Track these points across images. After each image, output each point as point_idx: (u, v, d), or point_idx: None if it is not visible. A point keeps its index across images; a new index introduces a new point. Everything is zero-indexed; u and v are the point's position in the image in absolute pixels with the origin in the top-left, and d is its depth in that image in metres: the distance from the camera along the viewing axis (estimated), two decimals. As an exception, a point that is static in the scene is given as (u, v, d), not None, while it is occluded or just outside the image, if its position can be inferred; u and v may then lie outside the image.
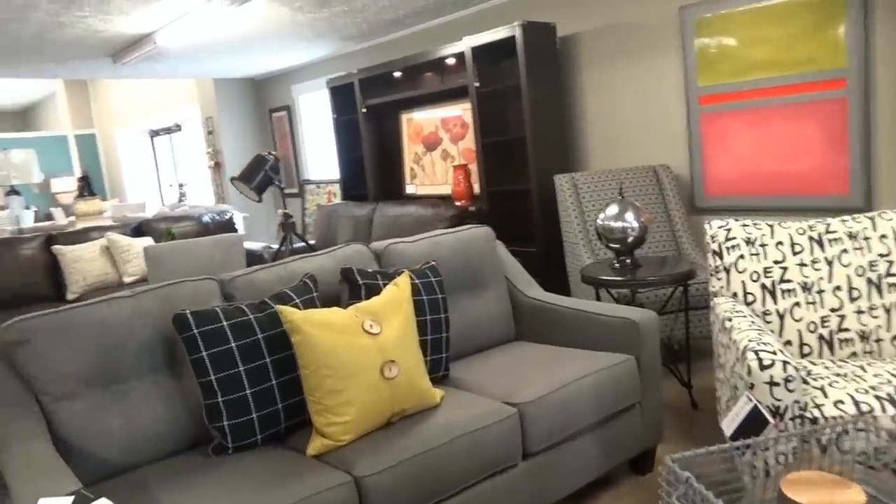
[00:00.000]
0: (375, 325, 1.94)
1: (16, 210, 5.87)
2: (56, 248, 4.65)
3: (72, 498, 1.39)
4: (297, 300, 2.06)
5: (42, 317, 1.85)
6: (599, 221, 3.01)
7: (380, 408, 1.88)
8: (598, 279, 2.89)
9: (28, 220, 9.96)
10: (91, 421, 1.83)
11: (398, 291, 2.09)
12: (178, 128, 8.88)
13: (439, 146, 4.99)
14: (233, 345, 1.89)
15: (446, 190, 4.92)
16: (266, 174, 3.07)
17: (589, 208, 3.70)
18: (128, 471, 1.85)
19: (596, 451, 2.23)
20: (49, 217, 10.60)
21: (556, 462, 2.12)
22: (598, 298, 3.03)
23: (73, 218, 7.35)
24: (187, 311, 1.89)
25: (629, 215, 2.95)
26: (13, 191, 5.75)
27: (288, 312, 1.86)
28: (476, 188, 4.56)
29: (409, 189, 5.28)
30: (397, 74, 5.06)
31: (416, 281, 2.26)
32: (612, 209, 2.99)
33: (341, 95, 5.48)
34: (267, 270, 2.25)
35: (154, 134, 9.74)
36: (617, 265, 3.01)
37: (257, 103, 7.31)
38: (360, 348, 1.87)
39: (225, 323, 1.90)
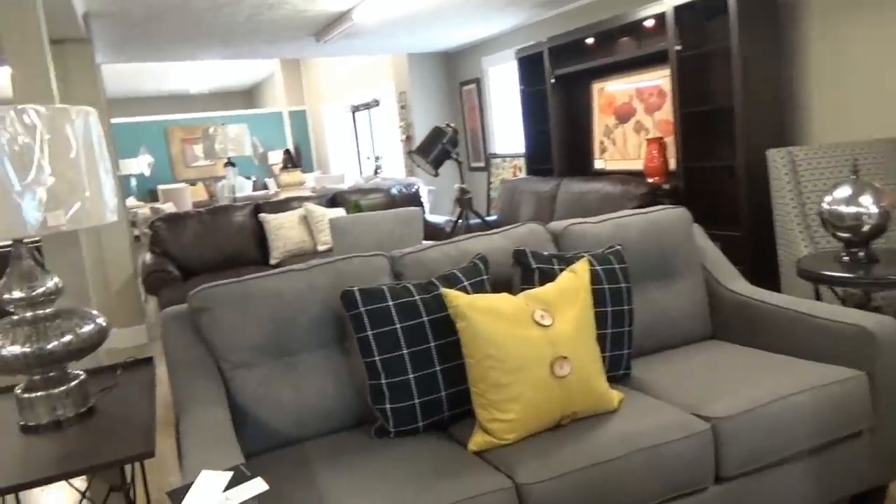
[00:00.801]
0: (547, 316, 1.75)
1: (231, 180, 6.53)
2: (262, 215, 5.04)
3: (231, 473, 1.39)
4: (466, 283, 1.94)
5: (223, 286, 1.91)
6: (825, 205, 2.53)
7: (548, 408, 1.70)
8: (819, 274, 2.43)
9: (247, 189, 11.08)
10: (264, 391, 1.87)
11: (575, 279, 1.88)
12: (376, 103, 9.26)
13: (632, 118, 4.60)
14: (397, 326, 1.82)
15: (638, 165, 4.54)
16: (443, 147, 3.00)
17: (809, 189, 3.16)
18: (294, 443, 1.87)
19: (808, 482, 1.86)
20: (265, 187, 11.72)
21: (757, 490, 1.80)
22: (819, 298, 2.56)
23: (278, 189, 7.99)
24: (355, 289, 1.85)
25: (866, 199, 2.44)
26: (230, 162, 6.39)
27: (453, 296, 1.74)
28: (672, 164, 4.13)
29: (598, 164, 4.96)
30: (589, 41, 4.74)
31: (597, 267, 2.03)
32: (843, 191, 2.49)
33: (529, 66, 5.27)
34: (437, 249, 2.15)
35: (355, 109, 10.27)
36: (846, 258, 2.52)
37: (448, 77, 7.35)
38: (528, 341, 1.70)
39: (391, 303, 1.83)
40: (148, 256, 4.84)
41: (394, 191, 5.53)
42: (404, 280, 2.07)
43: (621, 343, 2.04)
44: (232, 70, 12.61)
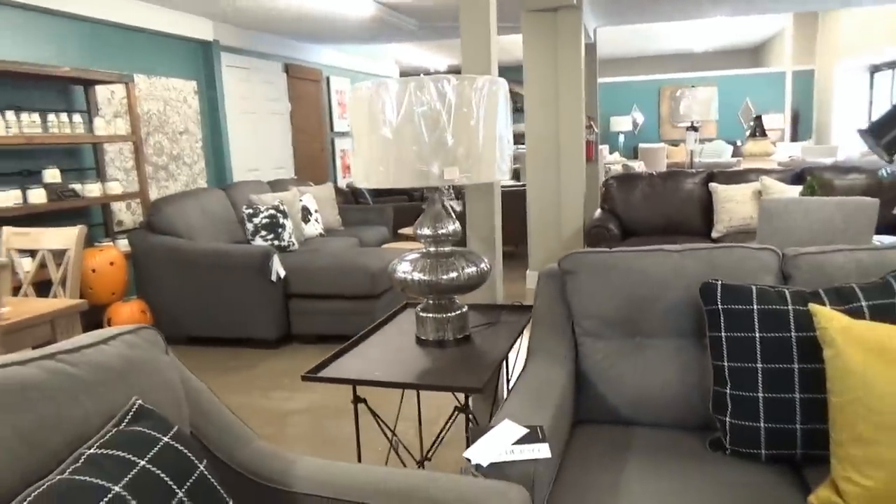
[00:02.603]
0: (965, 373, 1.28)
1: (690, 145, 6.30)
2: (712, 185, 4.80)
3: (527, 431, 1.47)
4: (864, 303, 1.54)
5: (592, 254, 1.95)
6: None
7: (934, 492, 1.27)
8: None
9: (726, 154, 10.55)
10: (608, 365, 1.87)
11: None
12: (901, 62, 7.60)
13: None
14: (757, 334, 1.58)
15: None
16: (904, 129, 2.29)
17: None
18: (624, 424, 1.84)
19: None
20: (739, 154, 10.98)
21: None
22: None
23: (739, 158, 7.35)
24: (718, 282, 1.67)
25: None
26: (692, 127, 6.17)
27: (824, 316, 1.41)
28: None
29: None
30: None
31: None
32: None
33: None
34: (847, 254, 1.75)
35: (874, 69, 8.64)
36: None
37: None
38: (920, 397, 1.28)
39: (755, 307, 1.60)
40: (598, 212, 5.16)
41: (883, 173, 4.54)
42: (792, 284, 1.76)
43: None
44: (739, 27, 11.96)
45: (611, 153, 11.25)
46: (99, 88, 4.80)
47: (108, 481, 0.87)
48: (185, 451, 1.02)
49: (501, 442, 1.44)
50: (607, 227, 4.75)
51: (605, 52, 12.88)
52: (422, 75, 1.82)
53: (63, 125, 4.23)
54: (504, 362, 2.14)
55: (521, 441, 1.44)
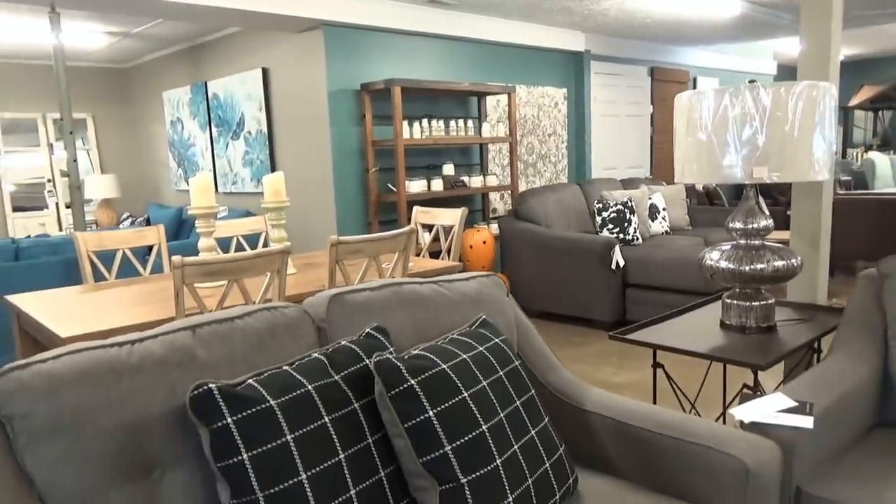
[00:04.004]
0: None
1: None
2: None
3: (796, 404, 1.63)
4: None
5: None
6: None
7: None
8: None
9: None
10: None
11: None
12: None
13: None
14: None
15: None
16: None
17: None
18: (929, 431, 1.79)
19: None
20: None
21: None
22: None
23: None
24: None
25: None
26: None
27: None
28: None
29: None
30: None
31: None
32: None
33: None
34: None
35: None
36: None
37: None
38: None
39: None
40: None
41: None
42: None
43: None
44: None
45: None
46: (488, 98, 5.81)
47: (460, 351, 1.41)
48: (508, 351, 1.52)
49: (768, 408, 1.63)
50: None
51: None
52: (747, 82, 2.03)
53: (460, 129, 5.29)
54: (811, 357, 2.20)
55: (787, 411, 1.61)
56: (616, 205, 5.30)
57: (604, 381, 3.77)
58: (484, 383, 1.38)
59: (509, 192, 5.87)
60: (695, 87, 8.27)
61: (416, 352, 1.38)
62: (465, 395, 1.32)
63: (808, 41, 2.43)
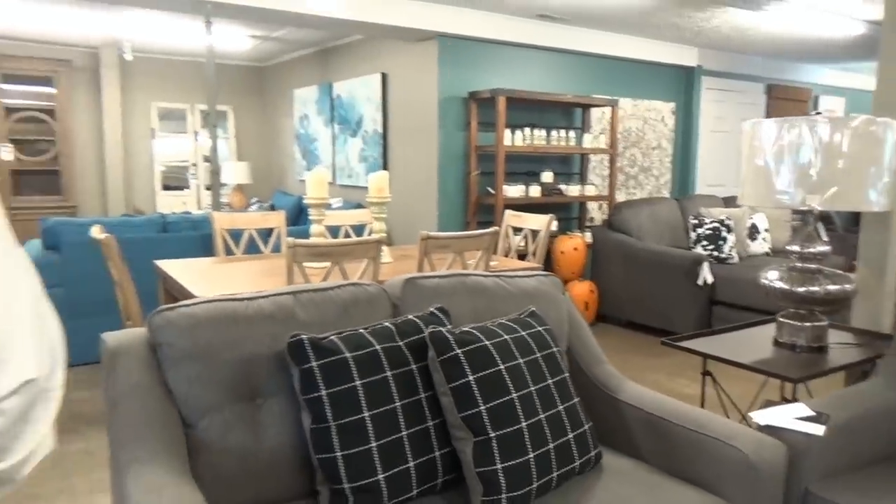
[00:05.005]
0: None
1: None
2: None
3: (814, 413, 1.78)
4: None
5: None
6: None
7: None
8: None
9: None
10: (954, 399, 1.91)
11: None
12: None
13: None
14: None
15: None
16: None
17: None
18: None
19: None
20: None
21: None
22: None
23: None
24: None
25: None
26: None
27: None
28: None
29: None
30: None
31: None
32: None
33: None
34: None
35: None
36: None
37: None
38: None
39: None
40: None
41: None
42: None
43: None
44: None
45: None
46: (593, 110, 5.98)
47: (504, 333, 1.70)
48: (548, 338, 1.79)
49: (787, 414, 1.79)
50: None
51: None
52: (813, 113, 2.16)
53: (560, 139, 5.51)
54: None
55: (803, 419, 1.76)
56: (712, 222, 5.32)
57: (676, 392, 3.89)
58: (520, 360, 1.66)
59: (606, 202, 6.01)
60: (816, 107, 7.98)
61: (465, 329, 1.68)
62: (501, 367, 1.61)
63: (885, 76, 2.48)
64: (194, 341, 1.54)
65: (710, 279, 4.66)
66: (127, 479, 1.38)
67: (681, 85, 6.71)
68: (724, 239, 5.27)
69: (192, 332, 1.55)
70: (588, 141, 5.68)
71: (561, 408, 1.68)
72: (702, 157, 6.95)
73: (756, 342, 2.44)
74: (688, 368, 4.34)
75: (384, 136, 5.95)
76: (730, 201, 6.20)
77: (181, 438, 1.52)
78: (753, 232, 5.71)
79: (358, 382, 1.53)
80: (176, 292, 2.89)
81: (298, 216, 6.31)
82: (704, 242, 5.31)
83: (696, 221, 5.40)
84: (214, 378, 1.54)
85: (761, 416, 1.78)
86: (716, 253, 5.26)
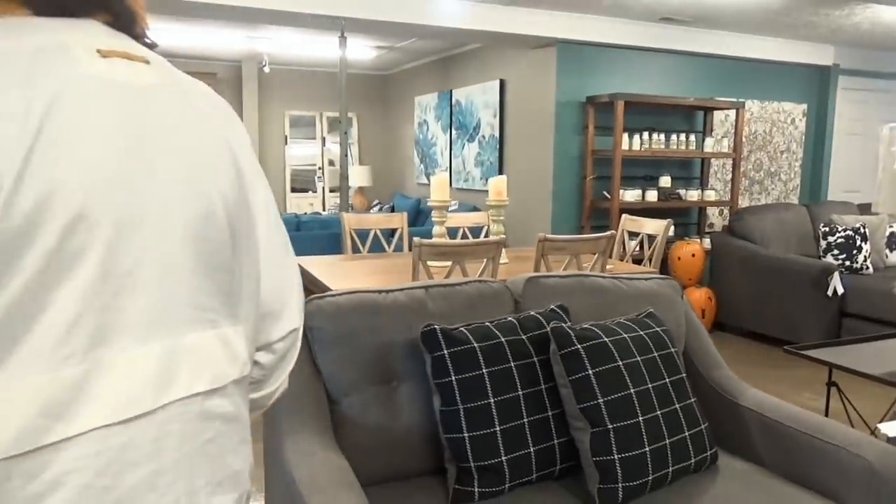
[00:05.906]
0: None
1: None
2: None
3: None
4: None
5: None
6: None
7: None
8: None
9: None
10: None
11: None
12: None
13: None
14: None
15: None
16: None
17: None
18: None
19: None
20: None
21: None
22: None
23: None
24: None
25: None
26: None
27: None
28: None
29: None
30: None
31: None
32: None
33: None
34: None
35: None
36: None
37: None
38: None
39: None
40: None
41: None
42: None
43: None
44: None
45: None
46: (716, 113, 5.82)
47: (622, 332, 1.78)
48: (666, 339, 1.85)
49: (918, 428, 1.74)
50: None
51: None
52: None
53: (681, 143, 5.41)
54: None
55: (936, 433, 1.71)
56: (846, 230, 5.03)
57: (799, 405, 3.74)
58: (638, 358, 1.73)
59: (728, 207, 5.83)
60: (973, 106, 7.28)
61: (585, 325, 1.77)
62: (620, 363, 1.69)
63: None
64: (340, 326, 1.74)
65: (840, 290, 4.43)
66: (284, 444, 1.59)
67: (814, 85, 6.37)
68: (859, 248, 4.97)
69: (339, 318, 1.74)
70: (710, 145, 5.54)
71: (677, 406, 1.73)
72: (835, 161, 6.55)
73: (889, 355, 2.35)
74: (815, 382, 4.15)
75: (500, 141, 6.09)
76: (865, 208, 5.81)
77: (327, 413, 1.72)
78: (892, 241, 5.34)
79: (484, 371, 1.66)
80: (312, 286, 3.16)
81: (416, 217, 6.57)
82: (836, 251, 5.04)
83: (826, 229, 5.13)
84: (356, 361, 1.73)
85: (890, 428, 1.75)
86: (848, 262, 4.97)
